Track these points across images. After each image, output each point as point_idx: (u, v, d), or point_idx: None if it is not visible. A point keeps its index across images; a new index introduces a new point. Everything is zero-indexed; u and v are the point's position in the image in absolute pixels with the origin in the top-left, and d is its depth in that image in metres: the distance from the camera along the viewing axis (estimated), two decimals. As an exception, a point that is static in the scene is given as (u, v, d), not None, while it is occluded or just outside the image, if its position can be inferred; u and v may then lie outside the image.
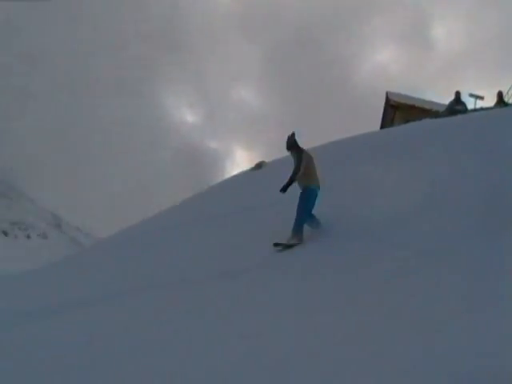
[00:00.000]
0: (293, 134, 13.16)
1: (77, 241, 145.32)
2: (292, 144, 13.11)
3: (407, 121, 29.03)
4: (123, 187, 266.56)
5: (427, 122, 24.42)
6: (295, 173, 12.75)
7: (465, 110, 26.74)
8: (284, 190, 12.79)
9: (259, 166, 24.57)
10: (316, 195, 12.74)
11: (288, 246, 12.32)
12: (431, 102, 36.96)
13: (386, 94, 38.66)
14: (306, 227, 12.73)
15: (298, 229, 12.50)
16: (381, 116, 39.25)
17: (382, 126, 36.95)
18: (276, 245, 12.36)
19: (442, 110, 29.83)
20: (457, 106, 27.21)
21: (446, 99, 29.98)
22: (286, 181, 12.78)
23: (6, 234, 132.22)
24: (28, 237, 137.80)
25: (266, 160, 25.48)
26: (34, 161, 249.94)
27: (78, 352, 8.91)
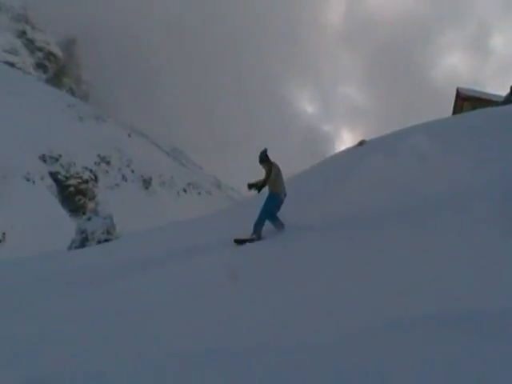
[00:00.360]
0: (265, 150, 11.82)
1: (231, 197, 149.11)
2: (263, 158, 11.74)
3: (474, 109, 27.53)
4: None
5: (489, 109, 23.10)
6: (266, 179, 11.51)
7: (519, 100, 25.28)
8: (258, 191, 11.67)
9: (361, 143, 24.11)
10: (280, 200, 11.49)
11: (247, 241, 10.91)
12: (492, 95, 34.81)
13: (457, 89, 36.76)
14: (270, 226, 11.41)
15: (258, 226, 11.19)
16: (452, 106, 37.37)
17: (454, 114, 35.18)
18: (236, 241, 10.98)
19: (500, 100, 28.18)
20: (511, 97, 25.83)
21: (503, 92, 28.41)
22: (259, 184, 11.61)
23: (185, 191, 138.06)
24: (199, 194, 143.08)
25: (366, 139, 24.97)
26: (196, 140, 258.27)
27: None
